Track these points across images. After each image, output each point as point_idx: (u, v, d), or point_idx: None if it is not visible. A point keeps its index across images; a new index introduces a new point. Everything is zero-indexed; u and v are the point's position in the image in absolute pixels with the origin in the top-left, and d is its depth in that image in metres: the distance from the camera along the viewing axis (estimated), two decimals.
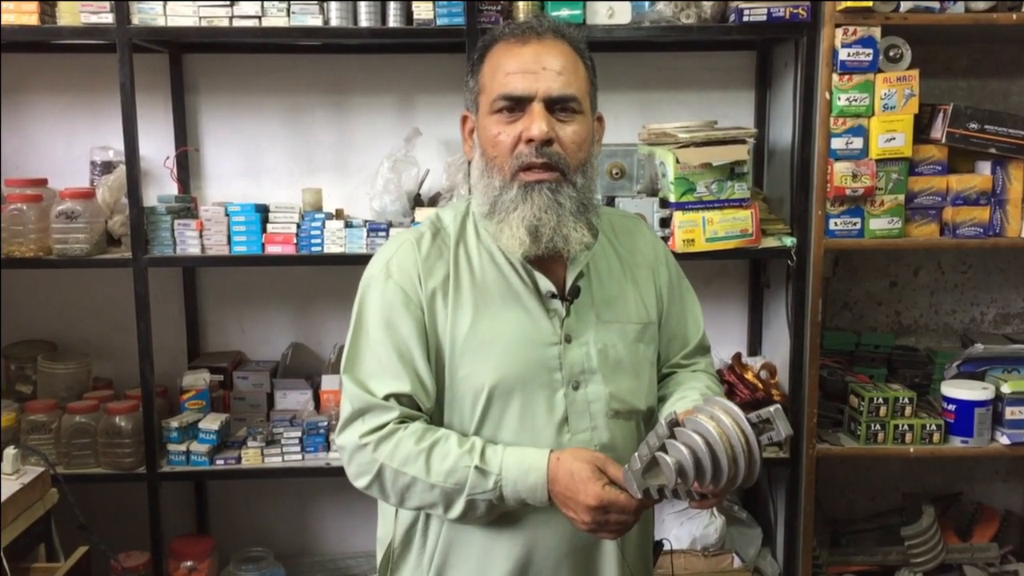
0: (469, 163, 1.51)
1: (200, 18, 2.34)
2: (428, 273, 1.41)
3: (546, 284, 1.42)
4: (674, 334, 1.58)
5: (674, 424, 1.26)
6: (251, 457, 2.47)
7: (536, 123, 1.35)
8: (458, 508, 1.35)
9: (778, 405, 1.24)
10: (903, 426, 2.43)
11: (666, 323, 1.56)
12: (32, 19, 2.32)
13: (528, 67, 1.36)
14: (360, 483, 1.40)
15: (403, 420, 1.38)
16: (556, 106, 1.37)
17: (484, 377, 1.39)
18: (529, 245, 1.37)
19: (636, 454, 1.28)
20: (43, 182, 2.54)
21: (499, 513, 1.38)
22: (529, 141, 1.35)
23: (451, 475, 1.33)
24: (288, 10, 2.34)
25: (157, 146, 2.70)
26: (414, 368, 1.39)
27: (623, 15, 2.36)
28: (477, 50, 1.45)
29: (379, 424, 1.38)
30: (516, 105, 1.37)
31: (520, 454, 1.34)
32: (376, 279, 1.43)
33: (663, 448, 1.25)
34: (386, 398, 1.38)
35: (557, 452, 1.34)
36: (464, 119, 1.48)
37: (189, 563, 2.58)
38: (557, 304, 1.43)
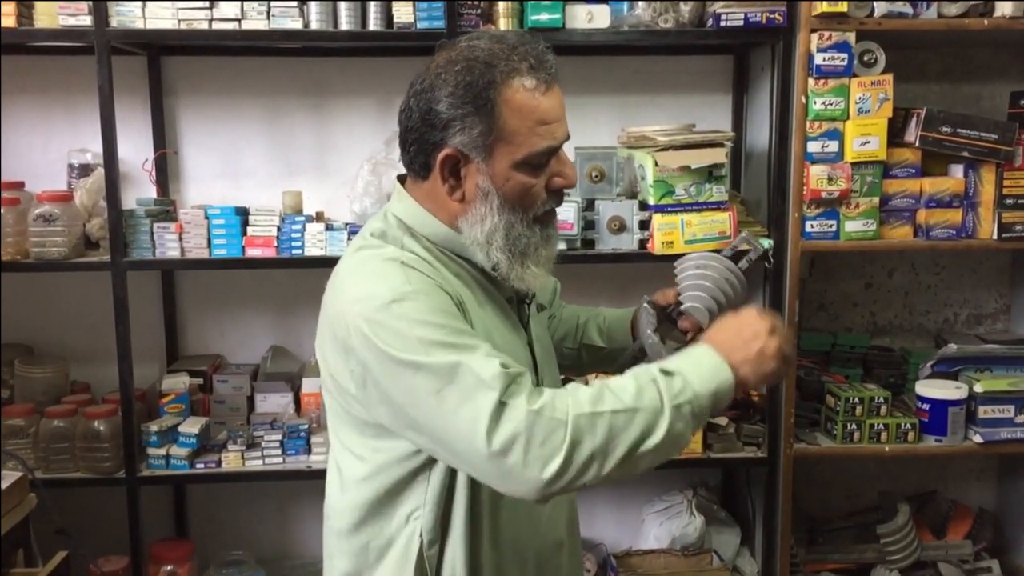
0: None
1: (179, 20, 2.32)
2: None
3: (511, 289, 1.38)
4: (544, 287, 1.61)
5: (655, 305, 1.50)
6: (231, 460, 2.47)
7: (572, 169, 1.34)
8: (664, 424, 1.18)
9: (744, 233, 1.59)
10: (879, 425, 2.46)
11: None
12: (9, 20, 2.30)
13: (558, 116, 1.30)
14: (551, 469, 1.14)
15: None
16: None
17: None
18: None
19: (645, 334, 1.46)
20: (20, 185, 2.52)
21: (700, 426, 1.28)
22: (565, 188, 1.34)
23: (642, 393, 1.19)
24: (268, 12, 2.34)
25: (136, 149, 2.69)
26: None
27: (602, 19, 2.38)
28: (475, 85, 1.25)
29: (534, 385, 1.19)
30: None
31: (676, 357, 1.27)
32: (390, 307, 1.22)
33: (669, 319, 1.49)
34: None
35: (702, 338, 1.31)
36: (448, 158, 1.29)
37: (169, 567, 2.57)
38: (521, 308, 1.42)
